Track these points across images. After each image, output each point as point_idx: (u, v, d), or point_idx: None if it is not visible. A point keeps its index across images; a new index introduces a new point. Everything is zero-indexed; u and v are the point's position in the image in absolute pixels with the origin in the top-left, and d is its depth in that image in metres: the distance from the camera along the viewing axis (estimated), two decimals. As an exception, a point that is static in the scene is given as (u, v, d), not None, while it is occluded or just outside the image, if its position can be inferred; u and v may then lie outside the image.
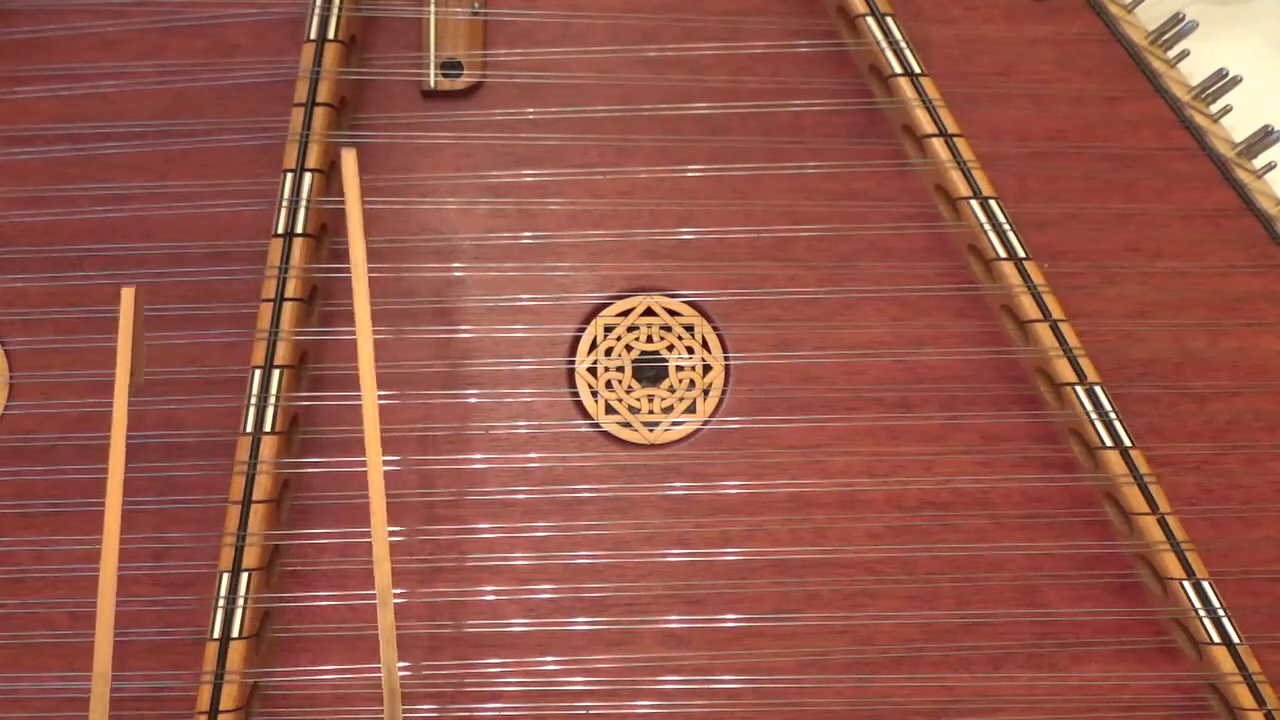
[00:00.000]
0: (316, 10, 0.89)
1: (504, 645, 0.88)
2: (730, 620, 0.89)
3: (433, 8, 0.92)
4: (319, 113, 0.88)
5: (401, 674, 0.88)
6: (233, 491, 0.85)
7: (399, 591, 0.88)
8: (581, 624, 0.89)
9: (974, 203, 0.89)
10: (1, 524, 0.89)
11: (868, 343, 0.91)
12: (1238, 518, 0.90)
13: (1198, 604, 0.86)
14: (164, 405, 0.89)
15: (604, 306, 0.92)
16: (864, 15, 0.91)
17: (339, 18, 0.89)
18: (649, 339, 0.92)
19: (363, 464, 0.89)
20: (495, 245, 0.92)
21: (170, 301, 0.90)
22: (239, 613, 0.84)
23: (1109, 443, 0.87)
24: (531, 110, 0.93)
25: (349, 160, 0.81)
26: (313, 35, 0.89)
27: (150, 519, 0.89)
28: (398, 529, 0.89)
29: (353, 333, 0.90)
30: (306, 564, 0.88)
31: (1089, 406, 0.88)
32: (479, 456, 0.90)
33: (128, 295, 0.78)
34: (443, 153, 0.93)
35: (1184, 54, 0.96)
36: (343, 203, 0.91)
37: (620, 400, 0.91)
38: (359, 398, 0.89)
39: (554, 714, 0.88)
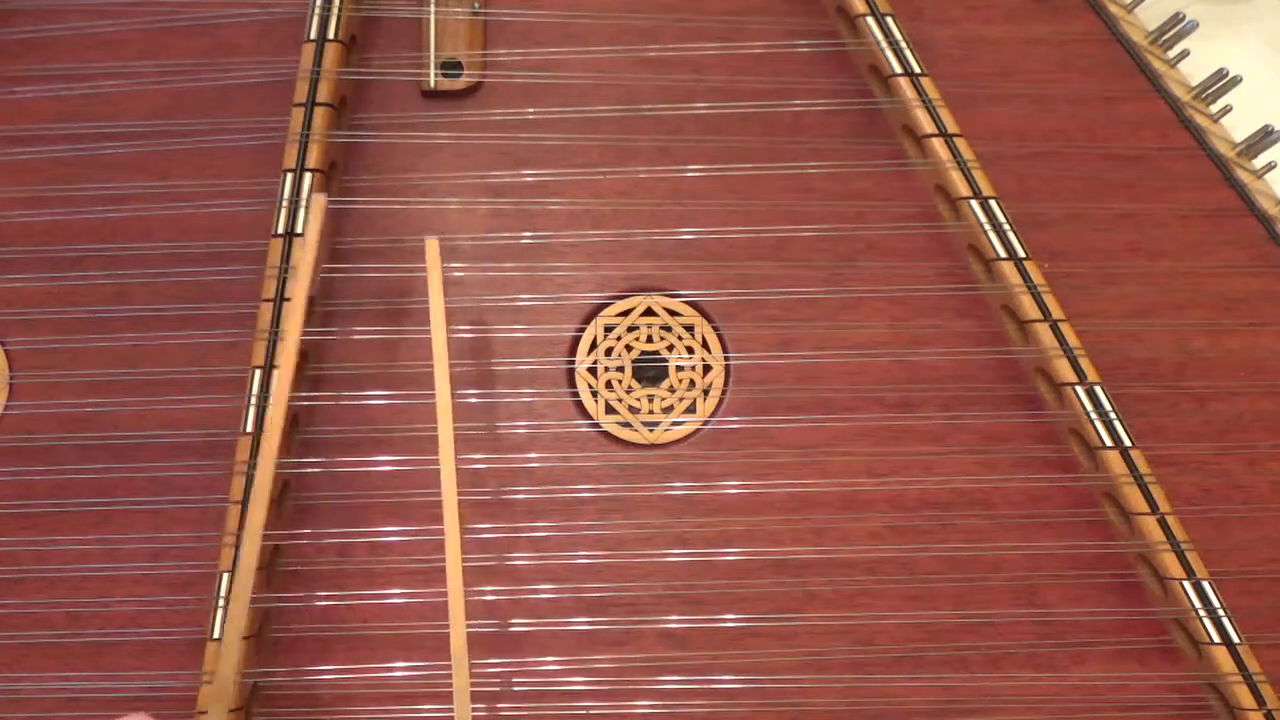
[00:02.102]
0: (316, 10, 0.89)
1: (504, 645, 0.88)
2: (730, 620, 0.89)
3: (433, 8, 0.92)
4: (319, 113, 0.88)
5: (402, 674, 0.88)
6: (233, 491, 0.85)
7: (398, 591, 0.88)
8: (581, 624, 0.89)
9: (974, 203, 0.89)
10: (1, 524, 0.89)
11: (868, 343, 0.91)
12: (1238, 518, 0.90)
13: (1198, 604, 0.86)
14: (164, 405, 0.89)
15: (604, 306, 0.92)
16: (864, 15, 0.91)
17: (339, 18, 0.89)
18: (649, 339, 0.92)
19: (362, 464, 0.89)
20: (495, 245, 0.92)
21: (170, 301, 0.90)
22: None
23: (1109, 443, 0.87)
24: (531, 110, 0.93)
25: (432, 248, 0.83)
26: (313, 35, 0.89)
27: (149, 519, 0.89)
28: (397, 529, 0.89)
29: (353, 333, 0.90)
30: (306, 564, 0.88)
31: (1089, 406, 0.88)
32: (479, 456, 0.90)
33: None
34: (442, 153, 0.93)
35: (1184, 54, 0.96)
36: (343, 203, 0.91)
37: (620, 400, 0.91)
38: (359, 398, 0.90)
39: (554, 714, 0.88)
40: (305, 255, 0.81)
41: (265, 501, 0.80)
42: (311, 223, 0.82)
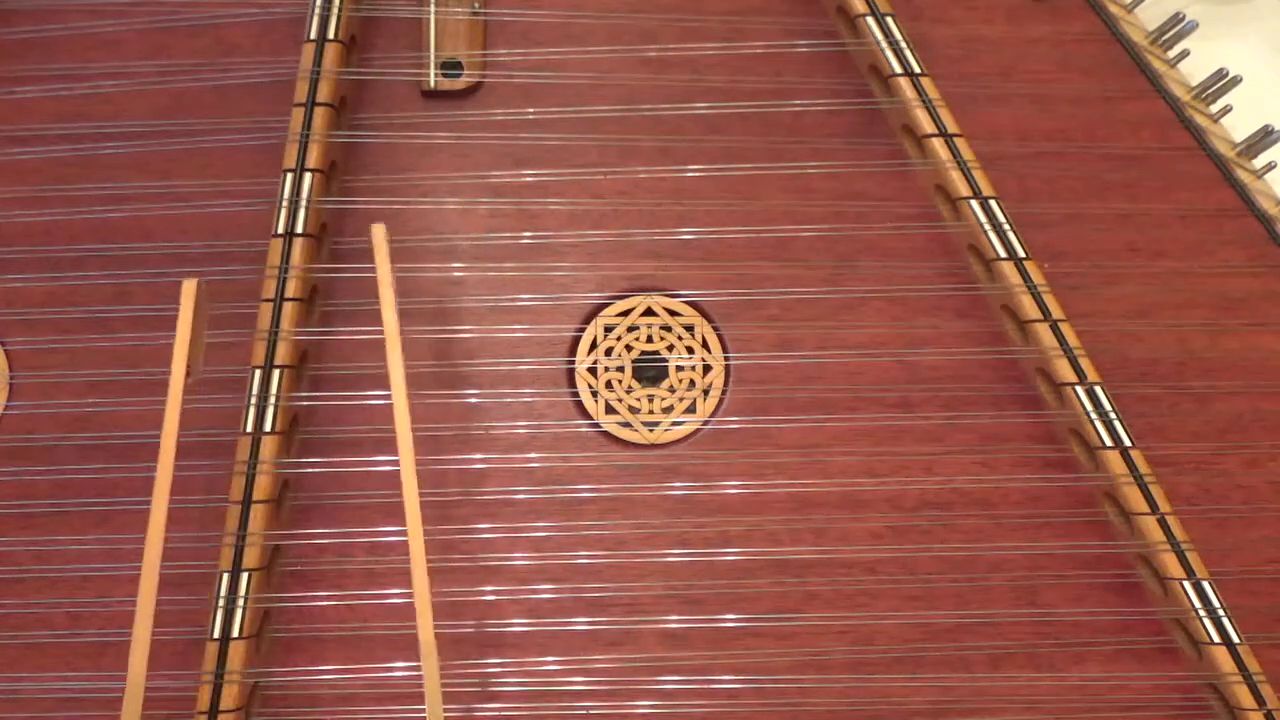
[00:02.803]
0: (316, 10, 0.89)
1: (504, 645, 0.88)
2: (730, 620, 0.89)
3: (433, 8, 0.92)
4: (319, 113, 0.88)
5: (402, 674, 0.88)
6: (233, 491, 0.85)
7: (398, 591, 0.88)
8: (581, 624, 0.89)
9: (974, 203, 0.89)
10: (1, 524, 0.89)
11: (868, 343, 0.91)
12: (1238, 518, 0.90)
13: (1198, 604, 0.86)
14: (164, 405, 0.89)
15: (604, 306, 0.92)
16: (864, 15, 0.91)
17: (339, 18, 0.89)
18: (649, 339, 0.92)
19: (362, 464, 0.89)
20: (495, 245, 0.92)
21: (170, 301, 0.90)
22: (239, 613, 0.84)
23: (1109, 443, 0.87)
24: (531, 110, 0.93)
25: (378, 233, 0.82)
26: (313, 35, 0.89)
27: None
28: (397, 529, 0.89)
29: (353, 333, 0.90)
30: (306, 564, 0.88)
31: (1089, 406, 0.88)
32: (479, 456, 0.90)
33: (189, 287, 0.79)
34: (442, 153, 0.93)
35: (1184, 54, 0.96)
36: (343, 202, 0.91)
37: (620, 400, 0.91)
38: (359, 398, 0.90)
39: (554, 714, 0.88)
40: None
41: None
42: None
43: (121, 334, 0.90)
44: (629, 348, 0.92)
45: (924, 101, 0.90)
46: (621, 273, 0.92)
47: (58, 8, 0.93)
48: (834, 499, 0.90)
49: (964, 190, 0.89)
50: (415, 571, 0.78)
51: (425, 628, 0.77)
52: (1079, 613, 0.89)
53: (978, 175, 0.90)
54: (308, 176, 0.87)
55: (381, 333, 0.90)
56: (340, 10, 0.89)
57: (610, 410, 0.91)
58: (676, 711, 0.88)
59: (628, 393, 0.92)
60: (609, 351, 0.92)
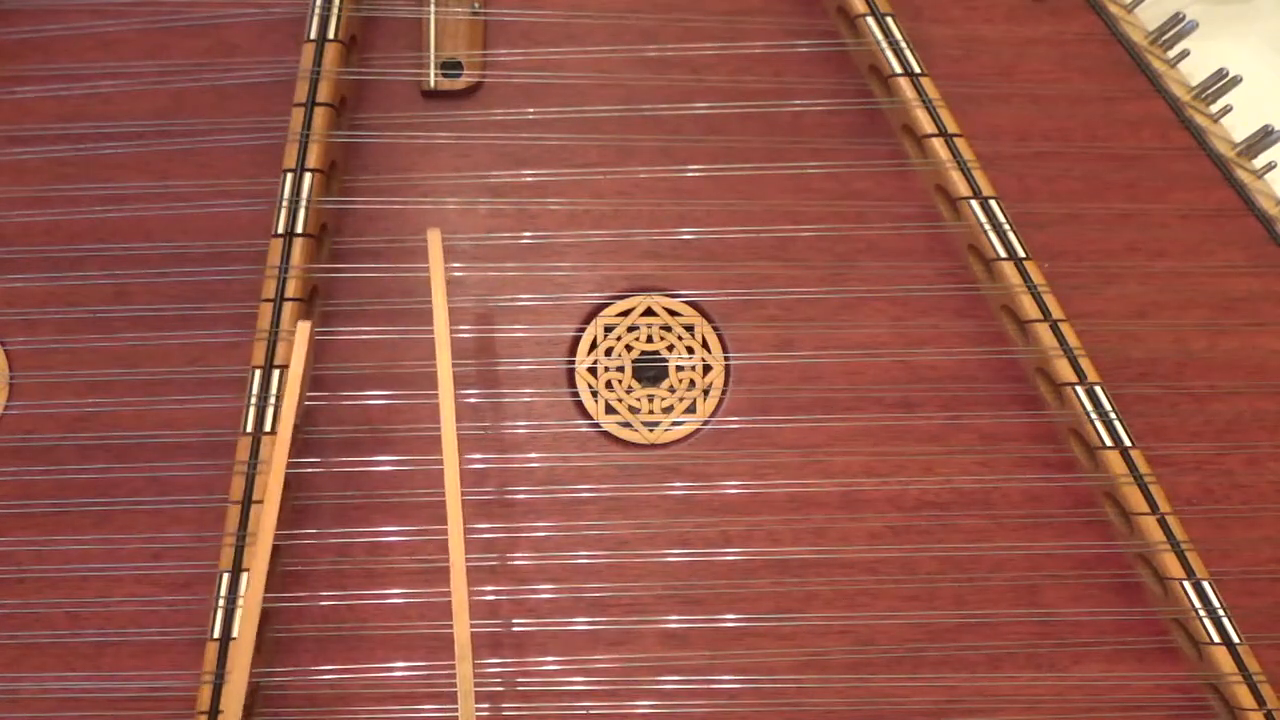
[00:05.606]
0: (316, 10, 0.89)
1: (505, 645, 0.88)
2: (730, 620, 0.89)
3: (433, 8, 0.92)
4: (319, 113, 0.88)
5: (402, 674, 0.88)
6: (233, 491, 0.85)
7: (398, 591, 0.88)
8: (582, 624, 0.89)
9: (974, 203, 0.89)
10: (1, 524, 0.89)
11: (868, 343, 0.91)
12: (1238, 518, 0.90)
13: (1198, 604, 0.86)
14: (164, 405, 0.89)
15: (604, 306, 0.92)
16: (864, 15, 0.91)
17: (339, 18, 0.89)
18: (649, 339, 0.92)
19: (362, 464, 0.89)
20: (495, 245, 0.92)
21: (170, 301, 0.90)
22: (239, 613, 0.84)
23: (1109, 443, 0.87)
24: (531, 110, 0.93)
25: (434, 239, 0.83)
26: (313, 35, 0.89)
27: (149, 519, 0.89)
28: (397, 529, 0.89)
29: (352, 334, 0.90)
30: (306, 564, 0.88)
31: (1089, 406, 0.88)
32: (479, 456, 0.90)
33: (302, 328, 0.82)
34: (442, 153, 0.93)
35: (1184, 54, 0.96)
36: (343, 202, 0.91)
37: (620, 400, 0.91)
38: (360, 398, 0.90)
39: (554, 714, 0.88)
40: (289, 386, 0.82)
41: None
42: (297, 351, 0.82)
43: (121, 334, 0.90)
44: (629, 348, 0.92)
45: (924, 101, 0.90)
46: (621, 273, 0.92)
47: (58, 8, 0.93)
48: (834, 499, 0.90)
49: (964, 190, 0.90)
50: (454, 572, 0.79)
51: (461, 627, 0.78)
52: (1079, 613, 0.89)
53: (978, 175, 0.90)
54: (308, 176, 0.87)
55: (381, 333, 0.90)
56: (340, 10, 0.89)
57: (610, 410, 0.91)
58: (676, 711, 0.88)
59: (628, 393, 0.92)
60: (609, 351, 0.92)
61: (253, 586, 0.80)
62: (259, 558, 0.80)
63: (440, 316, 0.82)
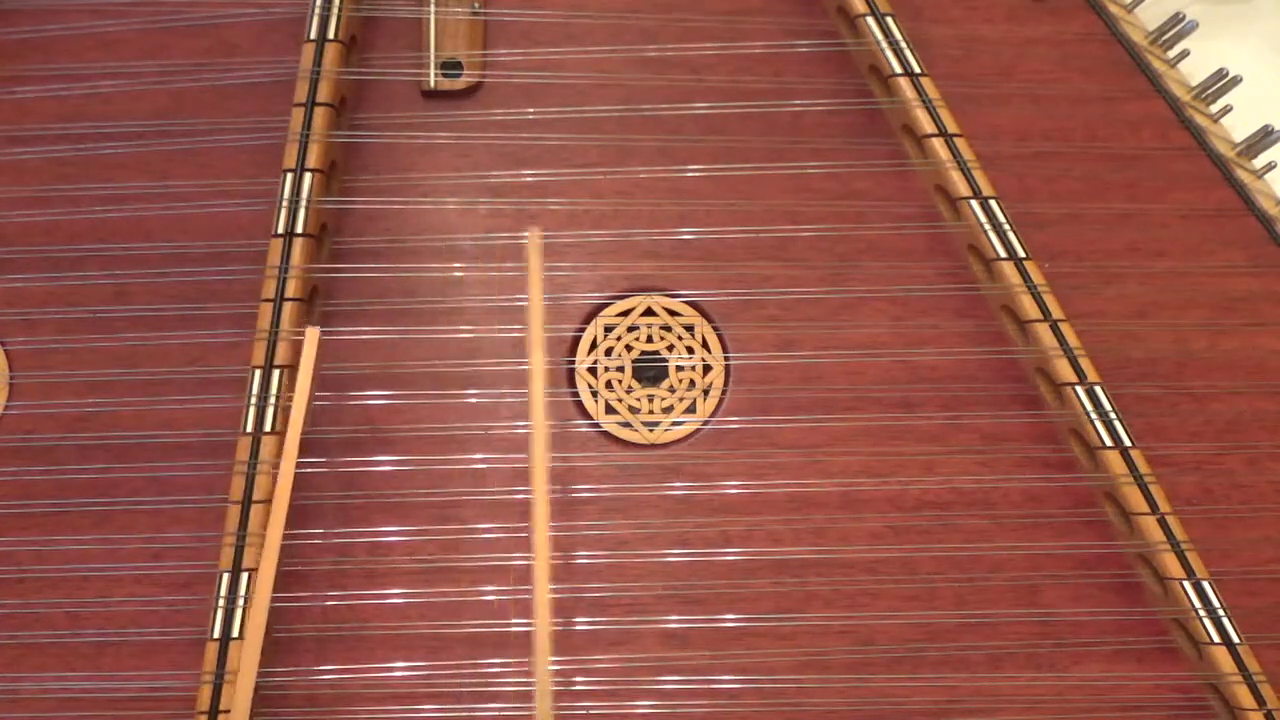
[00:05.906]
0: (316, 10, 0.89)
1: (504, 645, 0.88)
2: (730, 620, 0.89)
3: (433, 8, 0.92)
4: (319, 113, 0.88)
5: (402, 674, 0.88)
6: (233, 491, 0.85)
7: (398, 591, 0.88)
8: (582, 624, 0.89)
9: (974, 203, 0.89)
10: (1, 524, 0.89)
11: (868, 343, 0.91)
12: (1238, 518, 0.90)
13: (1198, 604, 0.86)
14: (164, 405, 0.89)
15: (604, 306, 0.92)
16: (864, 15, 0.91)
17: (339, 18, 0.89)
18: (649, 339, 0.92)
19: (362, 464, 0.89)
20: (495, 245, 0.92)
21: (170, 301, 0.90)
22: (239, 613, 0.84)
23: (1109, 443, 0.87)
24: (531, 110, 0.93)
25: (534, 236, 0.84)
26: (313, 35, 0.89)
27: (149, 519, 0.89)
28: (398, 529, 0.89)
29: (352, 334, 0.90)
30: (307, 564, 0.88)
31: (1089, 406, 0.88)
32: (479, 456, 0.90)
33: (311, 334, 0.82)
34: (442, 152, 0.93)
35: (1184, 54, 0.96)
36: (343, 202, 0.91)
37: (620, 400, 0.91)
38: (360, 398, 0.90)
39: (554, 714, 0.88)
40: (299, 392, 0.82)
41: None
42: (305, 357, 0.82)
43: (121, 334, 0.90)
44: (629, 348, 0.92)
45: (924, 101, 0.90)
46: (621, 273, 0.92)
47: (58, 8, 0.93)
48: (834, 499, 0.90)
49: (964, 190, 0.90)
50: (538, 570, 0.79)
51: (542, 626, 0.78)
52: (1079, 613, 0.89)
53: (978, 175, 0.90)
54: (308, 176, 0.87)
55: (381, 333, 0.90)
56: (340, 10, 0.89)
57: (610, 410, 0.91)
58: (676, 711, 0.88)
59: (628, 393, 0.92)
60: (609, 351, 0.92)
61: (260, 590, 0.80)
62: (267, 561, 0.80)
63: (535, 317, 0.82)
